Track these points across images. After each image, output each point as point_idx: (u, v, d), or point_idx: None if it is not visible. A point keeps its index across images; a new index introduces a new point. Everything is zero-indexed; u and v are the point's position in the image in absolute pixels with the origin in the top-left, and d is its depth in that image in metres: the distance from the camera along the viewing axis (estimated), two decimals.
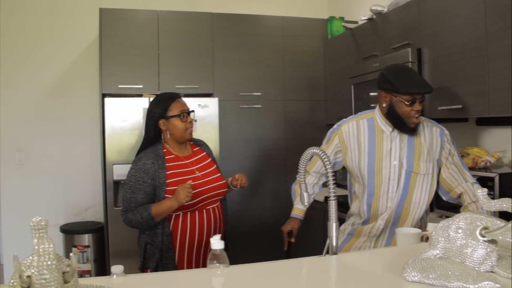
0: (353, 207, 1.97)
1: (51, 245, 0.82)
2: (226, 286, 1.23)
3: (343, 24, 3.70)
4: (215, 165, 2.14)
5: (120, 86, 3.36)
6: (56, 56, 3.80)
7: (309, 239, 3.52)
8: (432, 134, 1.89)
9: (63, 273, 0.85)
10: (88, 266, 3.46)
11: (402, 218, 1.86)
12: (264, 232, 3.58)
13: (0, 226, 3.71)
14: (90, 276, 3.42)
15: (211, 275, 1.26)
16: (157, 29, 3.48)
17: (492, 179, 2.13)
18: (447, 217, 1.21)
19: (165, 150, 2.02)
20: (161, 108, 2.00)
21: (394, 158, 1.84)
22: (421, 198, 1.86)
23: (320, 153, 1.48)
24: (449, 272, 1.02)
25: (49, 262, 0.81)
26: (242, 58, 3.68)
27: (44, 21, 3.76)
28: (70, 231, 3.50)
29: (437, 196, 1.98)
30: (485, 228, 1.06)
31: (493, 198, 1.57)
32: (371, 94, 3.01)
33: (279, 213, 3.48)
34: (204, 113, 3.36)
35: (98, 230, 3.54)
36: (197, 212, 1.98)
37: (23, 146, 3.74)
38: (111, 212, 3.22)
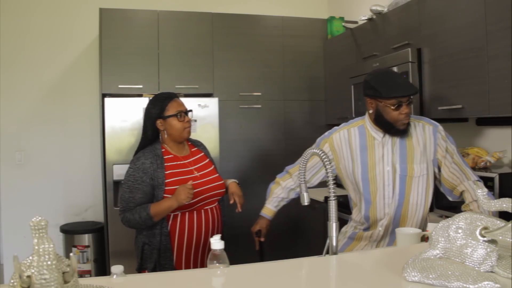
0: (354, 215, 1.98)
1: (51, 245, 0.82)
2: (226, 286, 1.23)
3: (343, 24, 3.70)
4: (213, 166, 2.14)
5: (120, 86, 3.37)
6: (56, 56, 3.80)
7: (309, 239, 3.52)
8: (424, 134, 1.86)
9: (63, 273, 0.85)
10: (88, 266, 3.46)
11: (401, 223, 1.86)
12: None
13: (0, 226, 3.71)
14: (90, 276, 3.42)
15: (211, 275, 1.26)
16: (157, 29, 3.48)
17: (492, 179, 2.13)
18: (447, 217, 1.21)
19: (163, 150, 2.02)
20: (158, 108, 2.00)
21: (386, 163, 1.84)
22: (418, 200, 1.85)
23: (320, 153, 1.48)
24: (449, 272, 1.02)
25: (49, 262, 0.81)
26: (242, 58, 3.68)
27: (44, 21, 3.76)
28: (70, 231, 3.50)
29: (437, 196, 1.98)
30: (485, 228, 1.06)
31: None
32: None
33: (278, 213, 3.45)
34: (204, 113, 3.36)
35: (98, 230, 3.54)
36: (195, 212, 1.98)
37: (23, 146, 3.74)
38: (111, 212, 3.22)
